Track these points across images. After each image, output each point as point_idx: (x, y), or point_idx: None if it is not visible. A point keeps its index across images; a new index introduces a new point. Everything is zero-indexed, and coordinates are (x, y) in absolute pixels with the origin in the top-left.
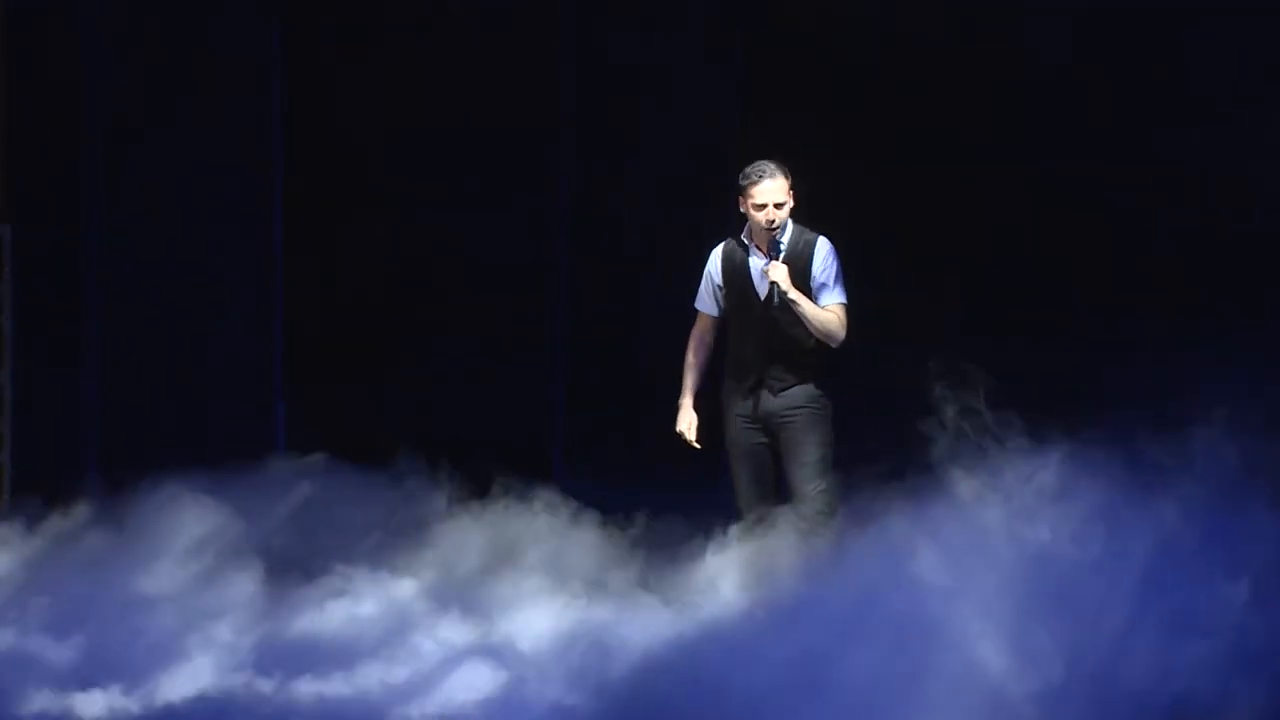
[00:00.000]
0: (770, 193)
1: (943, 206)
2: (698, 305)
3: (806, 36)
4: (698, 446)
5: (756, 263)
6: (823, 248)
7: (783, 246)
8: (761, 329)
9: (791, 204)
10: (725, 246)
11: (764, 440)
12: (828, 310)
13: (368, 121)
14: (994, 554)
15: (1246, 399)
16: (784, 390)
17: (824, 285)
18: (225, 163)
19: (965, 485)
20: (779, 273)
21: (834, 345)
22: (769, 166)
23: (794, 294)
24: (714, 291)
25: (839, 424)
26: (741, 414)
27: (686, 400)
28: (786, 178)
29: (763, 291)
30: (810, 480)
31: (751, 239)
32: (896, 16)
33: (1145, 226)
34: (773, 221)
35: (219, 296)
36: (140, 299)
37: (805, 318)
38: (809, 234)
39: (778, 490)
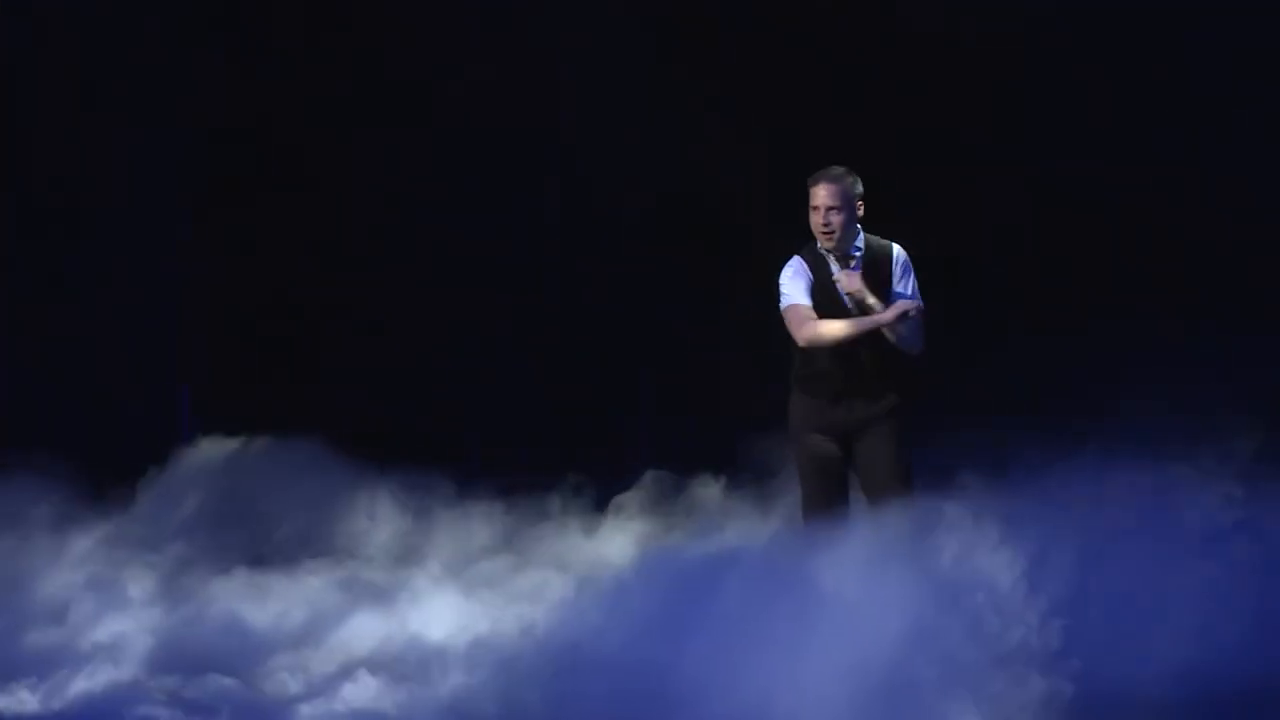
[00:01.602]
0: (824, 196)
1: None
2: (796, 299)
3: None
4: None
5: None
6: (898, 254)
7: (857, 254)
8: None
9: (858, 212)
10: (804, 254)
11: (840, 454)
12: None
13: (289, 104)
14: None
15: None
16: (864, 401)
17: (902, 293)
18: (138, 150)
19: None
20: (853, 283)
21: (915, 353)
22: (832, 170)
23: (872, 300)
24: (808, 290)
25: None
26: (819, 428)
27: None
28: (848, 186)
29: (848, 301)
30: (890, 498)
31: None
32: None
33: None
34: (827, 225)
35: (124, 282)
36: (45, 284)
37: (886, 326)
38: (882, 242)
39: (848, 506)
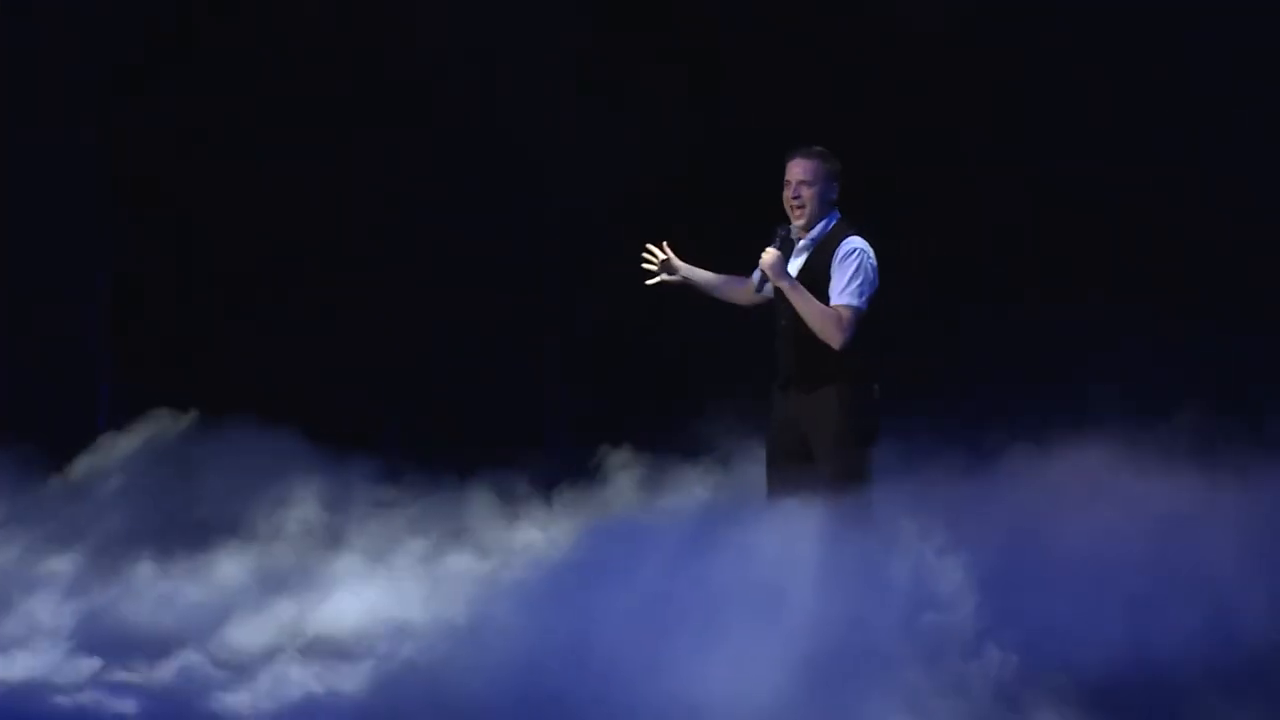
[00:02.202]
0: (796, 171)
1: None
2: None
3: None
4: (655, 263)
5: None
6: (846, 245)
7: (810, 237)
8: (781, 319)
9: (833, 194)
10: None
11: (796, 447)
12: (831, 308)
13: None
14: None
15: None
16: (811, 391)
17: (835, 283)
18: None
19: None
20: (767, 258)
21: (834, 346)
22: (809, 148)
23: (783, 282)
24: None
25: None
26: (776, 415)
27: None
28: (821, 162)
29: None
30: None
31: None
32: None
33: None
34: (796, 198)
35: (45, 270)
36: None
37: (798, 310)
38: (846, 231)
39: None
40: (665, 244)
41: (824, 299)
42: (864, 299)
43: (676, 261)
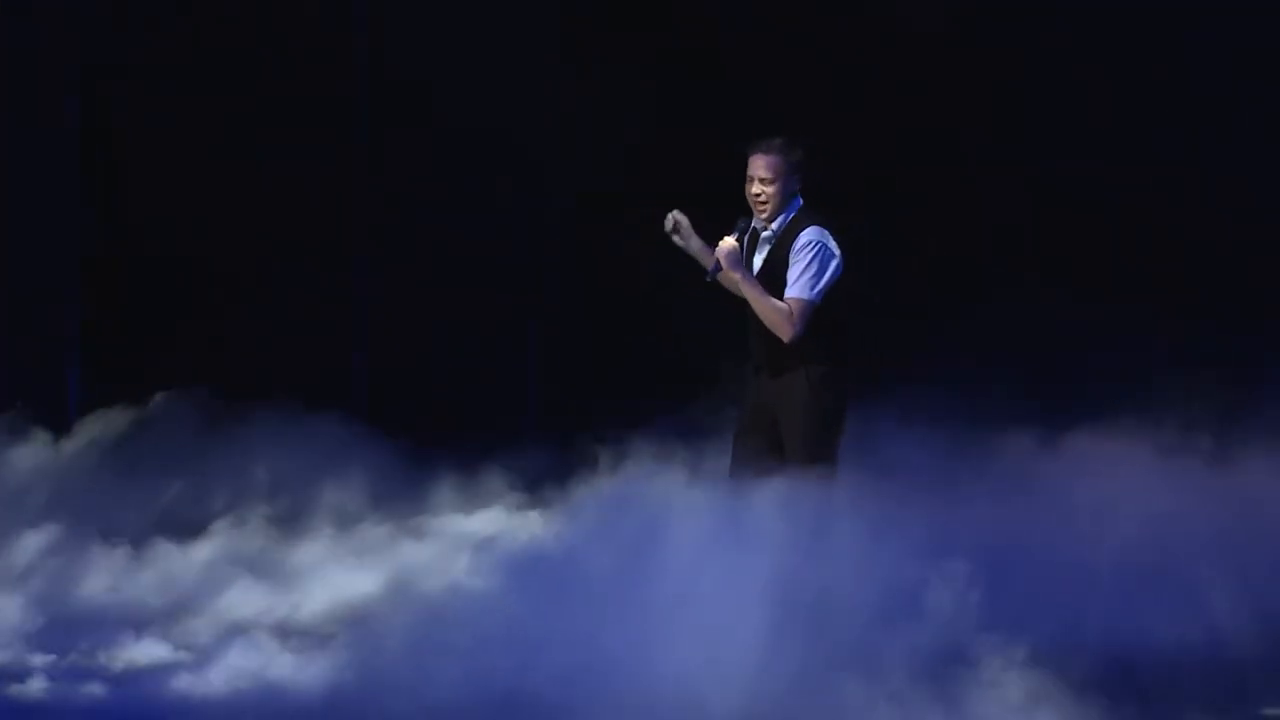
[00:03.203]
0: (756, 165)
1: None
2: None
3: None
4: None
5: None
6: (804, 237)
7: (770, 231)
8: (748, 307)
9: (792, 186)
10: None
11: (766, 429)
12: (784, 302)
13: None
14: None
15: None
16: (774, 378)
17: (789, 275)
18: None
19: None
20: (723, 247)
21: (784, 339)
22: (773, 142)
23: (737, 273)
24: None
25: None
26: (749, 397)
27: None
28: (782, 157)
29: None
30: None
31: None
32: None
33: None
34: (759, 196)
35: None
36: None
37: (749, 302)
38: (806, 221)
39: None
40: (687, 219)
41: (783, 292)
42: (815, 291)
43: (689, 230)
